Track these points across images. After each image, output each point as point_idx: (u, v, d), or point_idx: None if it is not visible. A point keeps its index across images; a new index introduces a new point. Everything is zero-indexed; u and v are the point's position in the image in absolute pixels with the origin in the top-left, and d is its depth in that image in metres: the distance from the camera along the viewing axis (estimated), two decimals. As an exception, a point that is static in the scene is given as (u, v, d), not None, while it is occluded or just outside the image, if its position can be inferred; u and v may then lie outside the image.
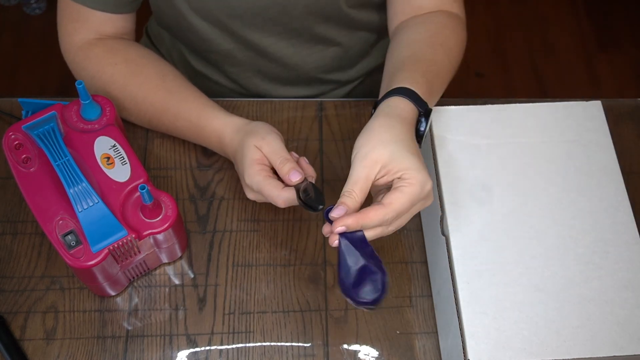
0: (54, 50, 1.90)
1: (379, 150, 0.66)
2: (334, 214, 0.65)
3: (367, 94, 1.08)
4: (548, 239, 0.72)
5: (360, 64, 1.03)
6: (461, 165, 0.76)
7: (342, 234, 0.65)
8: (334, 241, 0.65)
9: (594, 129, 0.79)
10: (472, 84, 1.94)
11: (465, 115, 0.79)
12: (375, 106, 0.73)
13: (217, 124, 0.81)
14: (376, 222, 0.65)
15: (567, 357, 0.66)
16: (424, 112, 0.72)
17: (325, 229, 0.67)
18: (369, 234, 0.66)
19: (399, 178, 0.66)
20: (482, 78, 1.96)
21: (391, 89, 0.72)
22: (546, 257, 0.71)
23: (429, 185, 0.66)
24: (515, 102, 0.81)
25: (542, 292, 0.69)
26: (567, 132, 0.79)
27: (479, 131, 0.78)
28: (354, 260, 0.65)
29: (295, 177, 0.72)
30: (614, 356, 0.67)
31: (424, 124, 0.73)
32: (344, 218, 0.64)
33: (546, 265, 0.71)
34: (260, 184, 0.73)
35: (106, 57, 0.85)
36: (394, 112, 0.70)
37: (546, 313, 0.68)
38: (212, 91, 1.02)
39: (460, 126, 0.78)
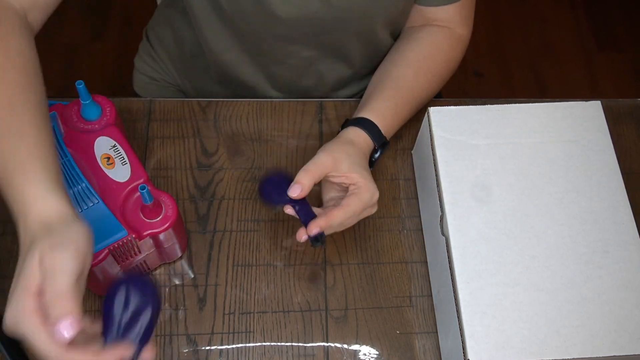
0: (54, 50, 1.93)
1: (343, 156, 0.76)
2: (291, 192, 0.73)
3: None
4: (548, 239, 0.72)
5: (364, 82, 1.01)
6: (461, 165, 0.76)
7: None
8: (302, 237, 0.74)
9: (593, 129, 0.79)
10: (472, 84, 1.94)
11: (465, 115, 0.79)
12: (344, 123, 0.83)
13: (42, 200, 0.60)
14: (338, 222, 0.74)
15: (567, 357, 0.66)
16: (380, 146, 0.81)
17: (301, 233, 0.74)
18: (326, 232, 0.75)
19: (354, 185, 0.75)
20: (481, 78, 1.96)
21: (358, 116, 0.82)
22: (546, 257, 0.71)
23: (376, 195, 0.77)
24: (515, 102, 0.81)
25: (542, 292, 0.69)
26: (567, 132, 0.79)
27: (479, 131, 0.78)
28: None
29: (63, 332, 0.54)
30: (614, 356, 0.67)
31: (377, 155, 0.82)
32: (316, 222, 0.73)
33: (546, 265, 0.71)
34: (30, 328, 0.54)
35: None
36: (352, 141, 0.80)
37: (546, 313, 0.68)
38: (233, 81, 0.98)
39: (460, 126, 0.78)
